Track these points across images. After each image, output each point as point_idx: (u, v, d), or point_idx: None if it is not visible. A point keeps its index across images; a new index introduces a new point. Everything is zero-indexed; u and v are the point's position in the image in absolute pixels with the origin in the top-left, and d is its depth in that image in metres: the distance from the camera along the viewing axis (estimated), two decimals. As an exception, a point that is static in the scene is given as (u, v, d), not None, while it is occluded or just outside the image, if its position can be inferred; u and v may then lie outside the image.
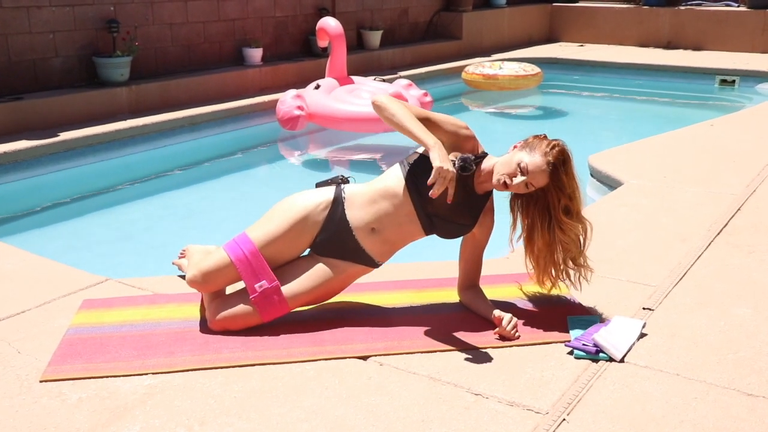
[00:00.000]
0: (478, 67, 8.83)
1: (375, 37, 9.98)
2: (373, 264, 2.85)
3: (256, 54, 8.42)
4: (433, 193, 2.53)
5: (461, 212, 2.77)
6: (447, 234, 2.82)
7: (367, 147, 7.02)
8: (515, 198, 2.85)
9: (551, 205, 2.73)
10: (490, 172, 2.75)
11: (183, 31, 7.99)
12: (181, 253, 3.30)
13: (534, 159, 2.66)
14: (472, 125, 2.84)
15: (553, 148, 2.68)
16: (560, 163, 2.67)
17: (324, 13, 9.30)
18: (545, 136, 2.75)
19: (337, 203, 2.78)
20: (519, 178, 2.66)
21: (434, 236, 2.86)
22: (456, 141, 2.76)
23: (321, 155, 7.18)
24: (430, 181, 2.54)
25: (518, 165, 2.67)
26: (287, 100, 6.55)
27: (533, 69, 8.76)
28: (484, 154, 2.81)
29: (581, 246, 2.82)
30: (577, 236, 2.79)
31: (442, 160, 2.53)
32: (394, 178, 2.77)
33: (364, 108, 6.37)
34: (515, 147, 2.76)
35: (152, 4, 7.65)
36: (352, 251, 2.80)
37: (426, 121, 2.73)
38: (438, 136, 2.68)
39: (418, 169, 2.72)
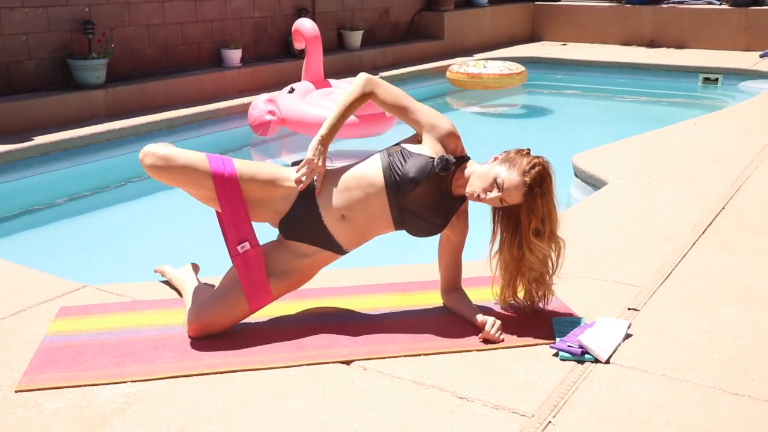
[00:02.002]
0: (462, 66, 8.85)
1: (356, 38, 9.96)
2: (341, 251, 2.82)
3: (235, 55, 8.38)
4: (301, 186, 2.71)
5: (434, 211, 2.74)
6: (417, 231, 2.79)
7: (345, 153, 6.94)
8: (495, 208, 2.82)
9: (522, 225, 2.71)
10: (468, 179, 2.73)
11: (160, 33, 7.93)
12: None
13: (511, 176, 2.63)
14: (463, 122, 2.83)
15: (533, 167, 2.64)
16: (537, 185, 2.62)
17: (303, 13, 9.28)
18: (528, 152, 2.72)
19: (309, 185, 2.75)
20: (493, 194, 2.65)
21: (419, 238, 2.84)
22: (437, 137, 2.74)
23: (300, 159, 7.11)
24: (297, 169, 2.73)
25: (494, 180, 2.65)
26: (259, 105, 6.47)
27: (518, 68, 8.78)
28: (467, 158, 2.79)
29: (551, 266, 2.79)
30: (544, 257, 2.75)
31: (314, 153, 2.72)
32: (372, 167, 2.74)
33: None
34: (496, 159, 2.73)
35: (128, 4, 7.58)
36: (319, 237, 2.76)
37: (403, 110, 2.77)
38: (415, 127, 2.78)
39: (399, 162, 2.70)
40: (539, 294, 2.86)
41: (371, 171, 2.73)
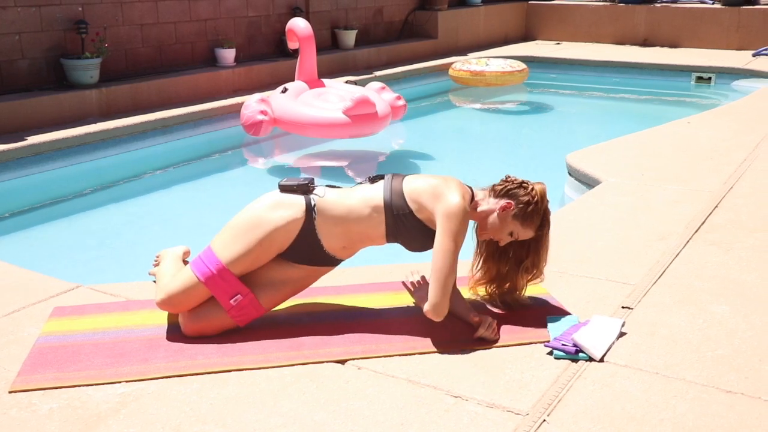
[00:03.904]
0: (465, 64, 8.90)
1: (350, 37, 9.95)
2: (338, 263, 2.90)
3: (228, 55, 8.36)
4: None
5: (426, 242, 2.79)
6: (411, 249, 2.87)
7: (340, 154, 6.93)
8: (484, 242, 2.93)
9: (515, 259, 2.88)
10: (475, 210, 2.81)
11: (154, 32, 7.91)
12: (156, 260, 3.25)
13: (527, 233, 2.80)
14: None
15: (545, 223, 2.81)
16: (546, 232, 2.82)
17: (297, 12, 9.27)
18: (528, 186, 2.79)
19: (309, 221, 2.75)
20: (506, 242, 2.85)
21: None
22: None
23: (293, 159, 7.12)
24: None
25: (511, 235, 2.81)
26: (251, 105, 6.43)
27: (519, 65, 8.82)
28: (470, 190, 2.85)
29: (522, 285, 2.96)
30: (519, 285, 2.93)
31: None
32: (376, 228, 2.76)
33: (330, 113, 6.27)
34: (507, 208, 2.77)
35: (122, 4, 7.56)
36: (322, 260, 2.82)
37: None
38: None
39: (406, 230, 2.75)
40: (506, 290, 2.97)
41: (375, 231, 2.77)
